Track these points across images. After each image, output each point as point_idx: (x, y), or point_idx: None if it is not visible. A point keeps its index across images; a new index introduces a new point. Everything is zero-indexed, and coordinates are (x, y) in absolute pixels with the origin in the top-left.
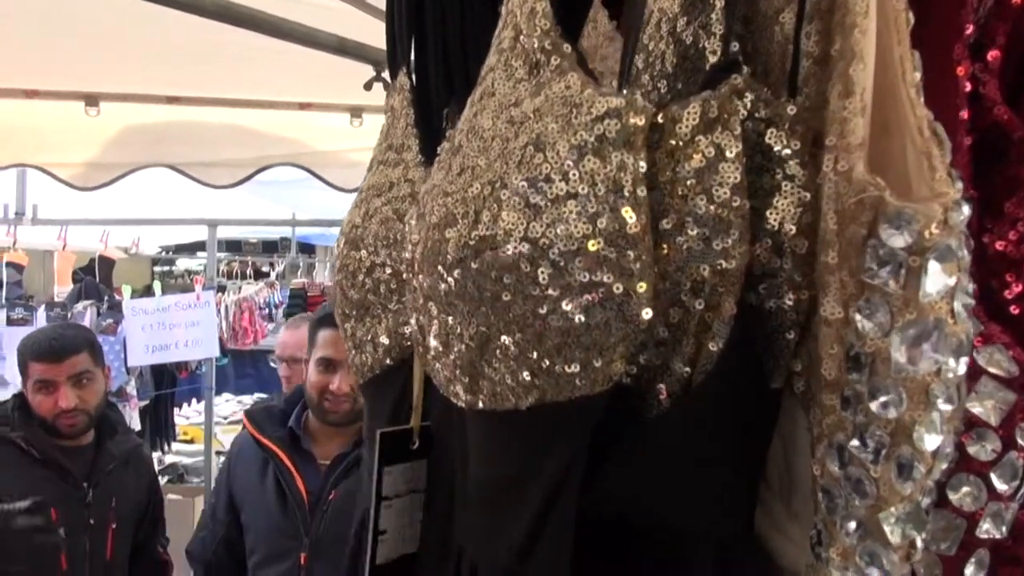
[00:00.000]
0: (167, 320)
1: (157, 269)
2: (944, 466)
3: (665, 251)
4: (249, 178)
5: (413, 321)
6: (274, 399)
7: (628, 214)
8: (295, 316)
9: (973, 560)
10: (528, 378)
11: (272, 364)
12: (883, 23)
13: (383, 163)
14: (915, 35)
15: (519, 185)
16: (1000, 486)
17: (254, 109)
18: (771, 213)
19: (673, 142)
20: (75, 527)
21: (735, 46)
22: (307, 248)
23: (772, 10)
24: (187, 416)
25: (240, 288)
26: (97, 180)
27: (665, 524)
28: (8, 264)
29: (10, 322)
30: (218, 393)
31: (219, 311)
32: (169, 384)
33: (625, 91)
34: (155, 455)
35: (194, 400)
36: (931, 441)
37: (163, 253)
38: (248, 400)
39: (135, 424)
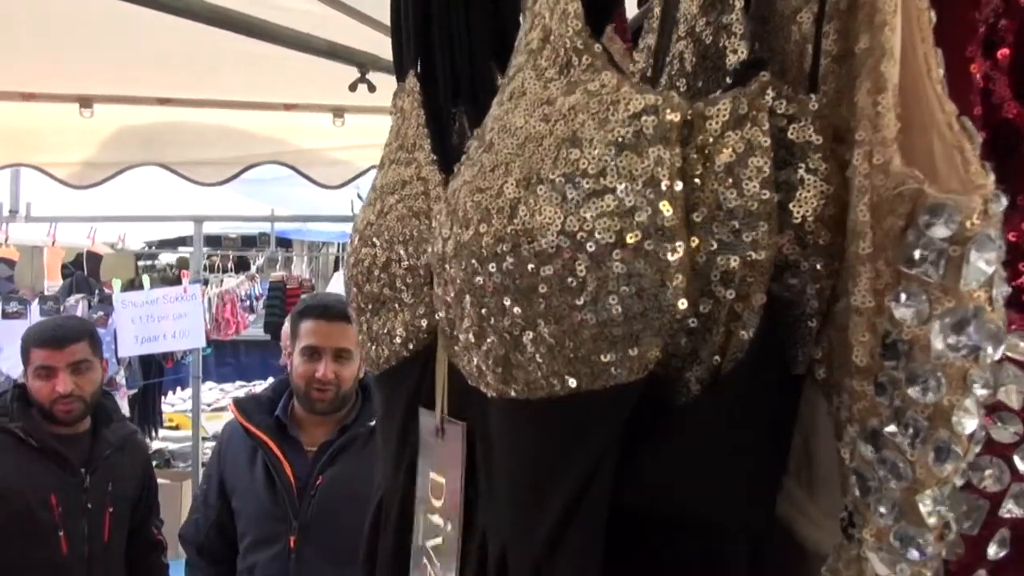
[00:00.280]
0: (155, 312)
1: (141, 263)
2: (977, 449)
3: (696, 243)
4: (237, 176)
5: (442, 313)
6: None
7: (665, 207)
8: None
9: (995, 539)
10: (563, 368)
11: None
12: (906, 21)
13: (395, 162)
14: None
15: (556, 180)
16: (1023, 467)
17: (241, 110)
18: (794, 206)
19: (703, 137)
20: (73, 512)
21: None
22: (284, 243)
23: (789, 10)
24: (172, 404)
25: (222, 281)
26: (92, 179)
27: (697, 513)
28: (0, 260)
29: (5, 315)
30: (202, 381)
31: (202, 303)
32: (156, 373)
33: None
34: None
35: (179, 388)
36: (969, 424)
37: (147, 248)
38: (230, 388)
39: (124, 412)
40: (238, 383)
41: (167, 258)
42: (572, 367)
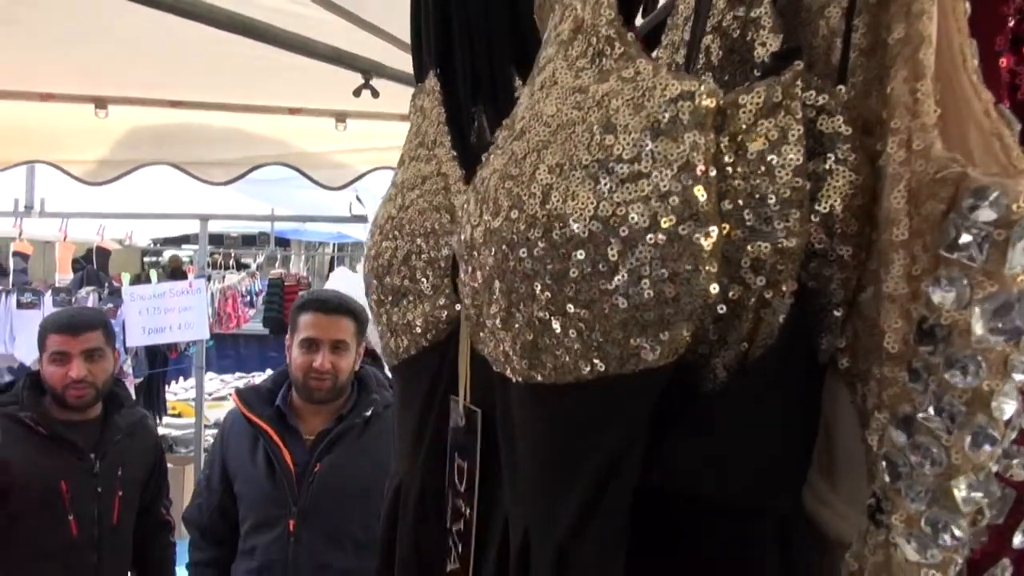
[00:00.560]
0: (162, 305)
1: (147, 259)
2: (1013, 435)
3: (727, 230)
4: (243, 176)
5: (468, 300)
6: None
7: (699, 192)
8: None
9: (1021, 528)
10: (592, 352)
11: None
12: (942, 11)
13: (415, 159)
14: None
15: (589, 166)
16: None
17: (249, 113)
18: (823, 195)
19: (735, 125)
20: (83, 496)
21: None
22: (283, 242)
23: (817, 5)
24: (175, 393)
25: (224, 277)
26: (105, 176)
27: (724, 498)
28: (15, 253)
29: (20, 306)
30: (204, 372)
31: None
32: (161, 364)
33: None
34: None
35: (181, 378)
36: (1008, 410)
37: (152, 245)
38: (230, 378)
39: None
40: (238, 374)
41: (171, 254)
42: (601, 352)
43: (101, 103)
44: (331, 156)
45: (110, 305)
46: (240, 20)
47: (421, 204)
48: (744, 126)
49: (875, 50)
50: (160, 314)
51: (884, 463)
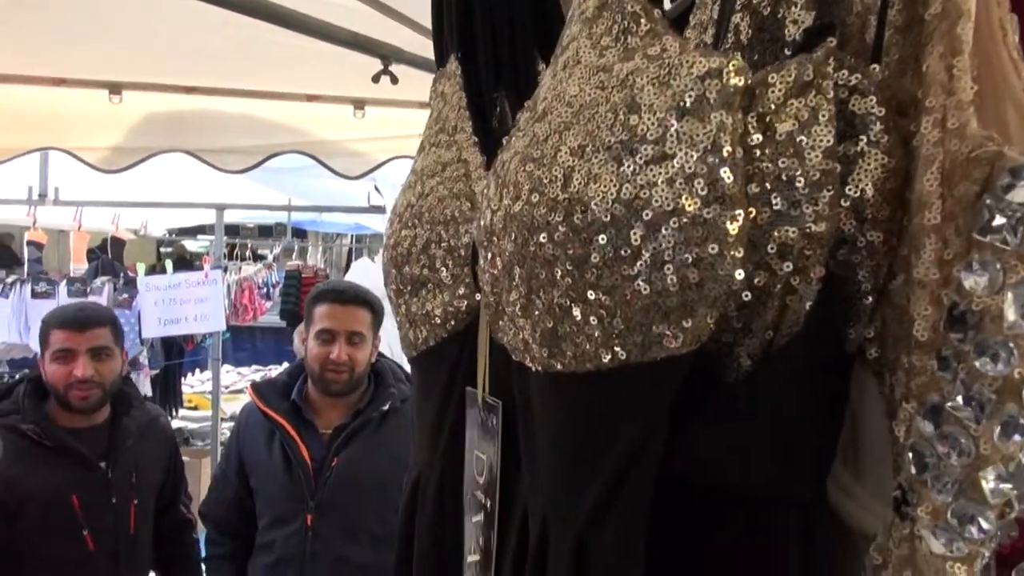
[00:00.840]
0: (178, 296)
1: (163, 250)
2: None
3: (752, 214)
4: (259, 164)
5: (487, 288)
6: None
7: (726, 175)
8: None
9: None
10: (613, 339)
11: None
12: None
13: (435, 145)
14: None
15: (612, 147)
16: None
17: (265, 100)
18: (853, 179)
19: (764, 105)
20: (97, 508)
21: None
22: (299, 233)
23: None
24: (191, 385)
25: (240, 268)
26: (119, 163)
27: (747, 488)
28: (29, 242)
29: (34, 295)
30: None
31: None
32: (177, 355)
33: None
34: None
35: (197, 370)
36: None
37: (168, 235)
38: (247, 371)
39: (146, 391)
40: (254, 367)
41: (188, 245)
42: (622, 339)
43: (115, 88)
44: (349, 144)
45: (125, 295)
46: (258, 3)
47: (441, 191)
48: (773, 106)
49: (911, 27)
50: (176, 305)
51: (911, 454)
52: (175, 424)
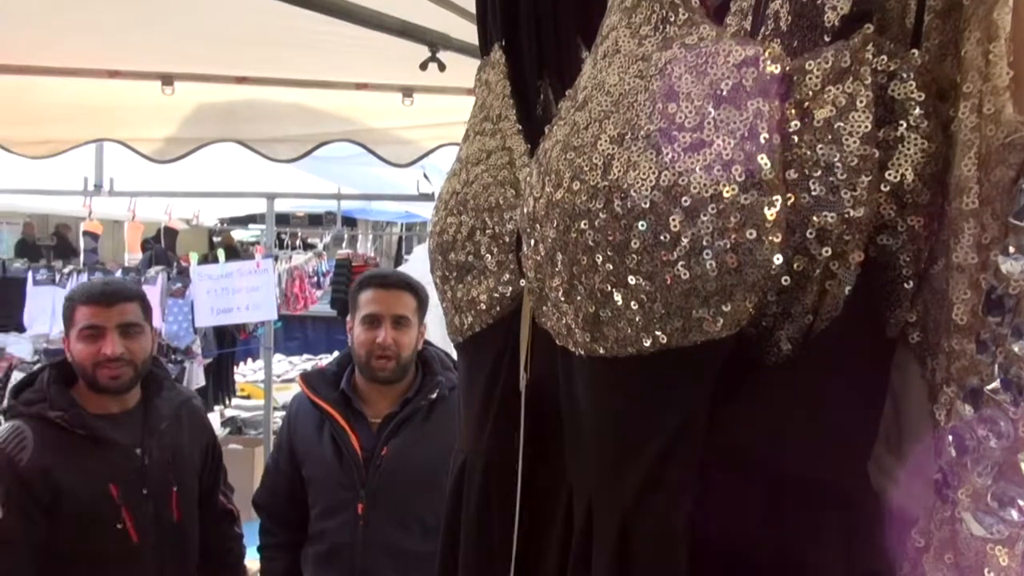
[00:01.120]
0: (230, 285)
1: (215, 239)
2: None
3: (791, 200)
4: (309, 152)
5: (530, 274)
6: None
7: (764, 161)
8: None
9: None
10: (653, 324)
11: None
12: None
13: (479, 133)
14: None
15: (651, 135)
16: None
17: (315, 89)
18: (893, 164)
19: (802, 92)
20: (136, 497)
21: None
22: (349, 221)
23: None
24: (243, 375)
25: (291, 257)
26: (172, 154)
27: (790, 471)
28: (85, 233)
29: None
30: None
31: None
32: (230, 344)
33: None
34: (217, 408)
35: (249, 359)
36: None
37: (219, 225)
38: (297, 360)
39: (200, 380)
40: (305, 356)
41: (238, 235)
42: (663, 323)
43: (167, 80)
44: (397, 132)
45: (179, 285)
46: None
47: (486, 179)
48: (811, 92)
49: (950, 12)
50: (228, 294)
51: (951, 437)
52: (228, 413)
